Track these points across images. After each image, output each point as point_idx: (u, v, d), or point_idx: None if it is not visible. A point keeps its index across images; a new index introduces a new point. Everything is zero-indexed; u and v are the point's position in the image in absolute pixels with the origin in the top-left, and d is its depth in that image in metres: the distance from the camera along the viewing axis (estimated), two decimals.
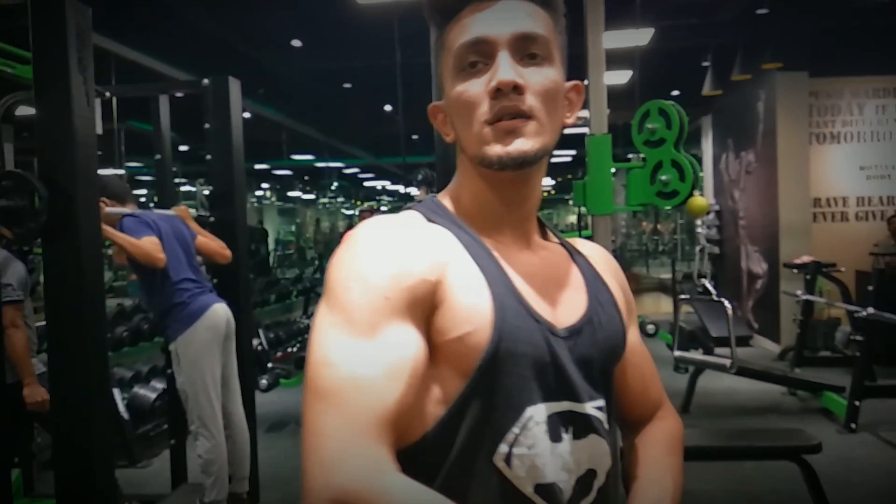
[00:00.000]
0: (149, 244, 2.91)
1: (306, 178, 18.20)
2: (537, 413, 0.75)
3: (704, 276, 5.64)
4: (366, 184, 21.73)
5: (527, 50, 0.78)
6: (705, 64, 7.22)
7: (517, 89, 0.76)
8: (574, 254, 0.91)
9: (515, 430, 0.74)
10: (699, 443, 3.32)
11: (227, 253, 3.31)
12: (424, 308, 0.73)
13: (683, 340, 5.18)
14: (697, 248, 5.69)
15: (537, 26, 0.79)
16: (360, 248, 0.75)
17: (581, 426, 0.78)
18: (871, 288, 4.74)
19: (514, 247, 0.84)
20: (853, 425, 4.54)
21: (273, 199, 17.25)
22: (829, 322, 6.48)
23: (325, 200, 18.52)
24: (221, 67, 3.87)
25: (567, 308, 0.82)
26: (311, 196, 19.72)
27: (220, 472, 3.06)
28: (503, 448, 0.74)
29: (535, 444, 0.74)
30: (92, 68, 2.32)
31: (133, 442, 4.36)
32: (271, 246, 13.70)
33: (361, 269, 0.72)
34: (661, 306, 10.98)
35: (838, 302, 5.66)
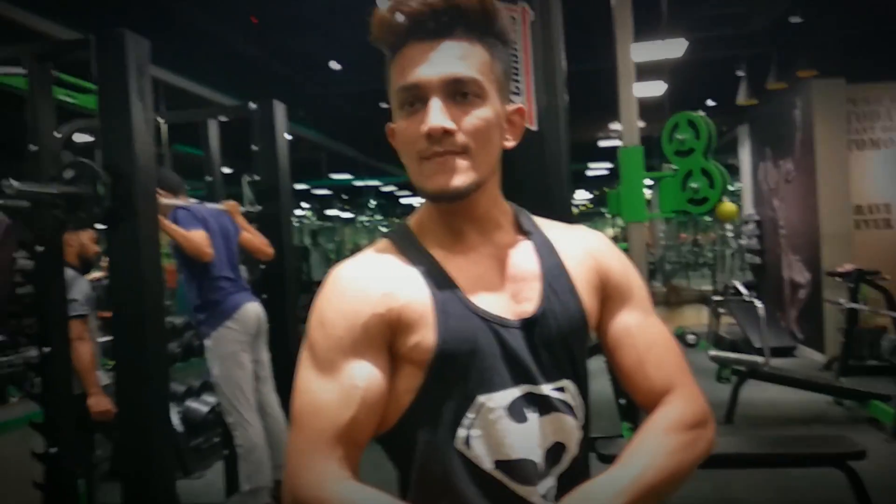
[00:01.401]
0: (198, 238, 3.06)
1: (344, 196, 18.51)
2: (490, 400, 0.86)
3: (737, 278, 5.63)
4: (402, 201, 21.98)
5: (458, 90, 0.86)
6: (740, 73, 7.21)
7: (447, 133, 0.85)
8: (541, 246, 0.96)
9: (470, 415, 0.85)
10: (742, 450, 3.32)
11: (270, 250, 3.45)
12: (379, 336, 0.87)
13: (724, 349, 5.16)
14: (729, 252, 5.68)
15: (468, 68, 0.86)
16: (325, 293, 0.91)
17: (543, 406, 0.88)
18: None
19: (470, 252, 0.93)
20: None
21: (314, 218, 17.55)
22: (874, 331, 6.36)
23: (365, 219, 18.76)
24: (262, 90, 4.03)
25: (520, 301, 0.91)
26: (350, 215, 20.00)
27: (259, 461, 3.18)
28: (461, 432, 0.85)
29: (492, 426, 0.85)
30: (150, 95, 2.48)
31: (186, 454, 4.51)
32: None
33: (322, 315, 0.89)
34: (701, 318, 10.83)
35: (883, 310, 5.58)
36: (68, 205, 2.38)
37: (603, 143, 12.16)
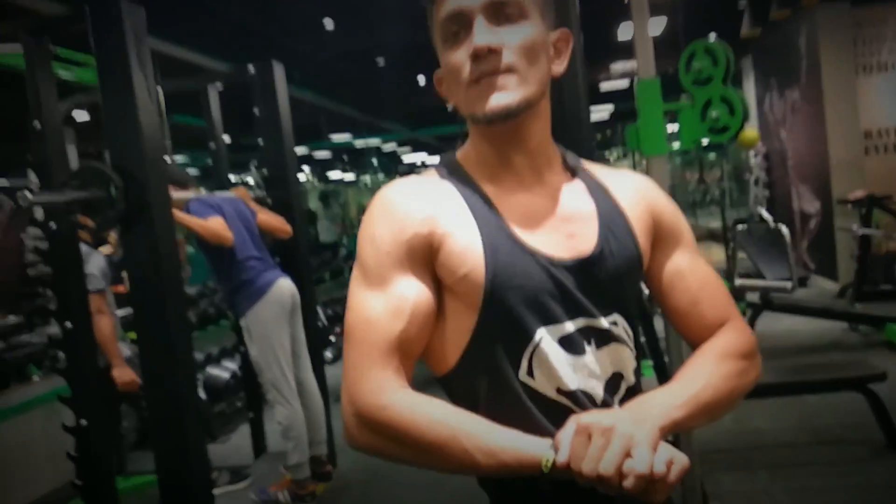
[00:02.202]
0: (216, 224, 3.06)
1: (345, 157, 18.40)
2: (548, 333, 0.87)
3: (761, 205, 5.62)
4: (404, 158, 21.83)
5: (501, 12, 0.87)
6: (742, 4, 7.06)
7: (493, 51, 0.85)
8: (594, 187, 0.97)
9: (530, 348, 0.87)
10: (763, 380, 3.35)
11: (288, 228, 3.45)
12: (422, 256, 0.88)
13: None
14: (752, 178, 5.67)
15: None
16: (372, 212, 0.92)
17: (601, 338, 0.90)
18: None
19: (520, 189, 0.93)
20: None
21: (315, 181, 17.50)
22: (887, 255, 6.35)
23: (367, 180, 18.69)
24: (255, 54, 3.97)
25: (576, 240, 0.92)
26: (352, 176, 19.91)
27: (299, 437, 3.22)
28: (524, 364, 0.87)
29: (548, 358, 0.87)
30: (150, 64, 2.44)
31: (211, 419, 4.59)
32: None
33: (370, 231, 0.91)
34: (712, 255, 10.86)
35: None
36: (82, 210, 2.38)
37: (604, 87, 11.99)
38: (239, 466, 3.76)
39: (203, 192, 3.39)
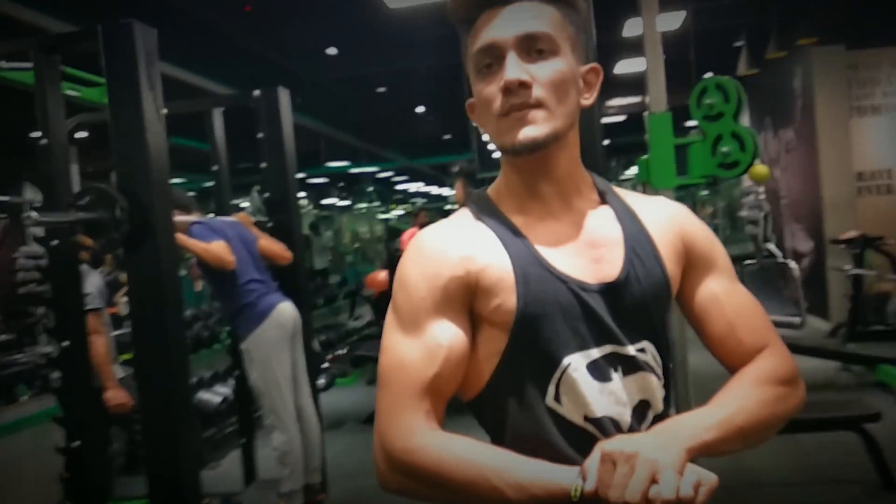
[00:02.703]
0: (219, 248, 3.06)
1: (341, 184, 18.48)
2: (576, 359, 0.89)
3: (769, 240, 5.67)
4: (399, 186, 21.93)
5: (533, 47, 0.89)
6: (738, 44, 7.19)
7: (523, 85, 0.88)
8: (622, 212, 0.98)
9: (558, 374, 0.89)
10: None
11: (288, 254, 3.45)
12: (460, 298, 0.91)
13: None
14: (762, 214, 5.75)
15: (541, 24, 0.90)
16: (408, 257, 0.95)
17: (628, 365, 0.91)
18: None
19: (548, 217, 0.95)
20: None
21: (310, 207, 17.54)
22: (879, 296, 6.40)
23: (363, 206, 18.75)
24: (258, 79, 4.01)
25: (602, 265, 0.93)
26: (347, 202, 19.98)
27: (295, 464, 3.19)
28: (552, 389, 0.89)
29: (576, 384, 0.88)
30: (160, 86, 2.46)
31: (201, 445, 4.53)
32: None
33: (406, 277, 0.93)
34: None
35: (889, 274, 5.61)
36: (86, 231, 2.38)
37: (601, 121, 12.10)
38: (229, 493, 3.71)
39: (205, 216, 3.40)
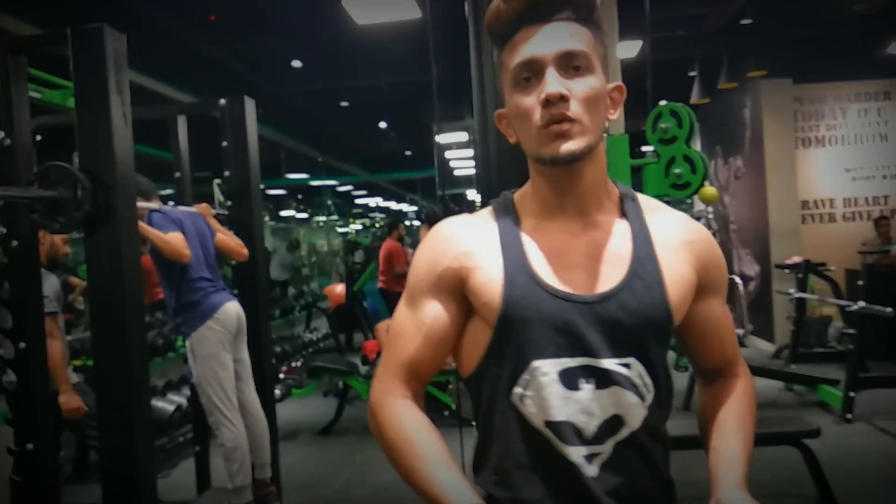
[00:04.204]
0: (176, 239, 3.05)
1: (300, 196, 18.39)
2: (545, 366, 0.94)
3: None
4: (359, 201, 21.90)
5: (570, 64, 0.95)
6: (692, 74, 7.44)
7: (563, 99, 0.93)
8: (638, 232, 1.01)
9: (526, 376, 0.95)
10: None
11: (244, 251, 3.46)
12: (450, 286, 1.01)
13: None
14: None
15: (578, 43, 0.95)
16: (424, 242, 1.07)
17: (602, 378, 0.95)
18: (860, 283, 4.93)
19: (563, 227, 1.01)
20: (849, 416, 4.71)
21: (266, 218, 17.42)
22: (821, 319, 6.67)
23: (322, 218, 18.66)
24: (221, 88, 4.01)
25: (598, 279, 0.97)
26: (305, 215, 19.87)
27: (242, 459, 3.19)
28: (518, 389, 0.96)
29: (542, 389, 0.94)
30: (128, 91, 2.47)
31: (155, 453, 4.47)
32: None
33: (417, 257, 1.07)
34: None
35: (830, 298, 5.85)
36: (46, 209, 2.34)
37: None
38: (181, 502, 3.67)
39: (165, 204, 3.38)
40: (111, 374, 2.33)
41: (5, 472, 2.50)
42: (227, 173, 3.61)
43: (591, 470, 0.93)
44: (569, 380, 0.94)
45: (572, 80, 0.94)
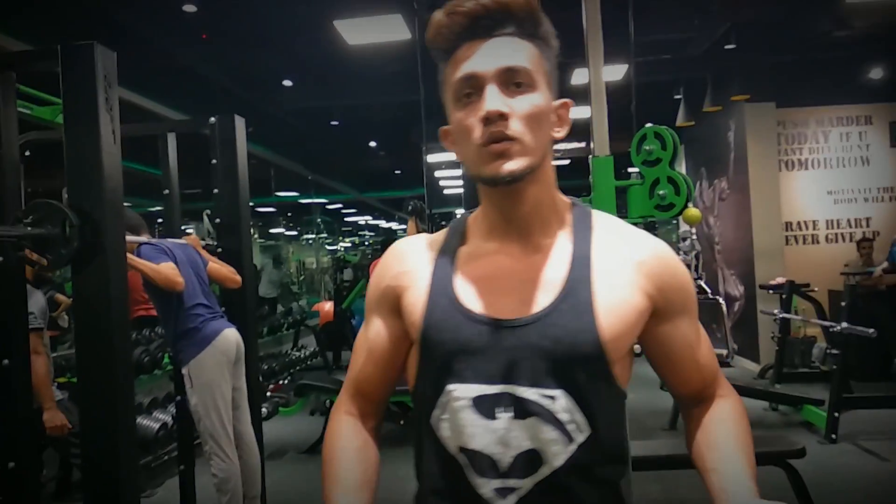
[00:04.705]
0: (168, 269, 3.05)
1: (289, 214, 18.38)
2: (458, 390, 0.92)
3: (700, 278, 5.90)
4: (348, 219, 21.92)
5: (512, 80, 0.91)
6: (678, 97, 7.55)
7: (503, 117, 0.90)
8: (579, 256, 0.95)
9: (443, 399, 0.94)
10: (686, 451, 3.48)
11: (238, 279, 3.46)
12: (389, 304, 1.02)
13: None
14: (693, 254, 5.97)
15: (521, 59, 0.92)
16: (381, 260, 1.08)
17: (521, 409, 0.89)
18: (843, 304, 4.97)
19: (504, 250, 0.97)
20: (833, 436, 4.73)
21: (255, 235, 17.38)
22: (805, 340, 6.71)
23: (311, 236, 18.64)
24: (211, 106, 4.02)
25: (528, 304, 0.92)
26: (294, 232, 19.86)
27: (234, 490, 3.17)
28: (436, 412, 0.95)
29: (456, 414, 0.92)
30: (117, 108, 2.48)
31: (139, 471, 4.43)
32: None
33: (371, 278, 1.08)
34: None
35: (814, 319, 5.90)
36: (34, 246, 2.34)
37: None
38: None
39: (154, 237, 3.39)
40: (95, 394, 2.32)
41: None
42: (216, 190, 3.62)
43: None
44: (485, 407, 0.90)
45: (514, 97, 0.91)
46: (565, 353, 0.90)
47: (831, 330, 5.16)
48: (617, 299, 0.93)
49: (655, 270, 0.97)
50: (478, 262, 0.98)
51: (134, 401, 2.46)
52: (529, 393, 0.89)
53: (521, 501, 0.89)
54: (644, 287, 0.95)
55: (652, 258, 0.97)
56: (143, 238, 3.23)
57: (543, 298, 0.92)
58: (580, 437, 0.90)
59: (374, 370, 1.03)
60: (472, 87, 0.92)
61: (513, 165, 0.90)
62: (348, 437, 1.03)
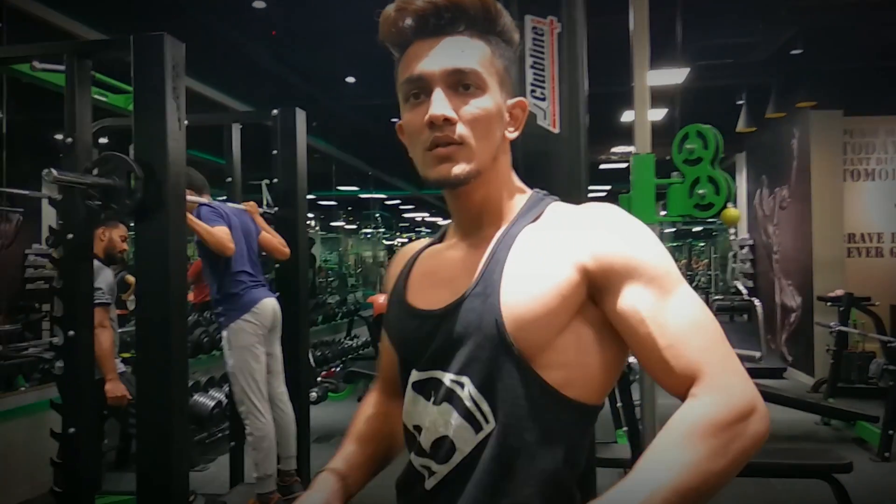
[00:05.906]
0: (221, 233, 3.22)
1: (349, 208, 18.68)
2: (413, 376, 0.96)
3: (738, 280, 5.81)
4: (406, 215, 22.14)
5: (460, 82, 0.89)
6: (740, 102, 7.40)
7: (448, 121, 0.88)
8: (503, 243, 0.92)
9: (408, 383, 0.98)
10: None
11: (287, 250, 3.62)
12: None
13: None
14: (731, 254, 5.89)
15: (470, 60, 0.89)
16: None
17: (440, 394, 0.90)
18: None
19: (456, 245, 1.01)
20: (887, 454, 4.62)
21: (317, 228, 17.74)
22: (863, 354, 6.52)
23: (369, 230, 18.91)
24: (277, 100, 4.15)
25: (452, 295, 0.93)
26: (353, 226, 20.20)
27: (269, 449, 3.33)
28: (405, 393, 1.00)
29: (408, 397, 0.97)
30: (184, 96, 2.62)
31: (192, 446, 4.64)
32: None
33: None
34: None
35: (872, 333, 5.73)
36: (101, 196, 2.50)
37: (603, 166, 12.34)
38: (214, 494, 3.81)
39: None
40: (154, 349, 2.44)
41: (47, 457, 2.63)
42: (276, 180, 3.78)
43: (429, 483, 0.91)
44: (420, 391, 0.94)
45: (461, 99, 0.90)
46: (471, 337, 0.88)
47: (890, 345, 5.01)
48: (530, 276, 0.87)
49: (589, 234, 0.87)
50: (431, 259, 1.04)
51: (187, 356, 2.57)
52: (446, 378, 0.90)
53: (439, 485, 0.90)
54: (576, 258, 0.86)
55: (587, 221, 0.89)
56: (204, 199, 3.38)
57: (462, 287, 0.92)
58: (487, 428, 0.86)
59: (388, 360, 1.10)
60: (420, 89, 0.91)
61: (458, 170, 0.90)
62: (368, 404, 1.17)
